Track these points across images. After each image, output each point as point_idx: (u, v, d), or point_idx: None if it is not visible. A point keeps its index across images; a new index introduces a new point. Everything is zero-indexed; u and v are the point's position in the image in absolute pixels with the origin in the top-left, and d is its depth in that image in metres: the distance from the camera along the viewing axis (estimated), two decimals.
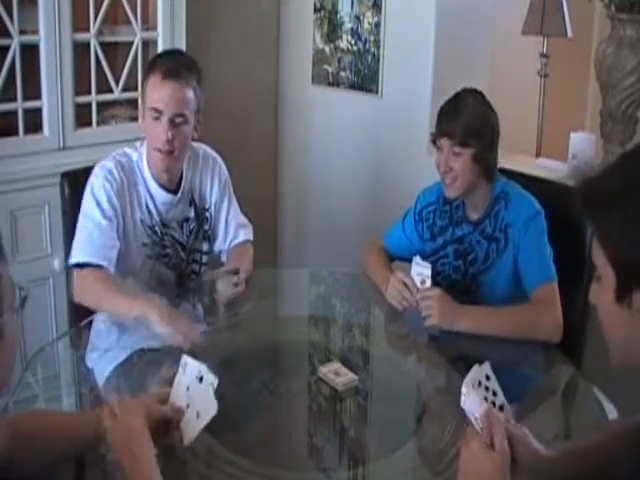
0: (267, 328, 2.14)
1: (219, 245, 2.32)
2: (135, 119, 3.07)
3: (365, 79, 3.36)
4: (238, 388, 1.76)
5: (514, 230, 2.08)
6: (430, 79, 3.08)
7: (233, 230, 2.31)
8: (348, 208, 3.54)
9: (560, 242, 2.06)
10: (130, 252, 2.15)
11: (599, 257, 1.05)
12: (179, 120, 2.04)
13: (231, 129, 3.54)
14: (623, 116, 2.94)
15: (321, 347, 2.08)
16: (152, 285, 2.14)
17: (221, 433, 1.53)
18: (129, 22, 3.00)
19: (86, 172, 2.21)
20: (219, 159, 2.32)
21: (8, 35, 2.68)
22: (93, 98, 2.94)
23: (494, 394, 1.30)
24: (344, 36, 3.42)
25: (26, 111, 2.78)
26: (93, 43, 2.90)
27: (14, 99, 2.74)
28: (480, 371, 1.32)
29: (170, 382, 1.44)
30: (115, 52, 3.07)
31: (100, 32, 2.91)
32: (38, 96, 2.79)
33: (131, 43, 3.02)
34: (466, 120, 2.04)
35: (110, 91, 3.00)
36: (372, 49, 3.30)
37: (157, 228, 2.18)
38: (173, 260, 2.23)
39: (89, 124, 2.95)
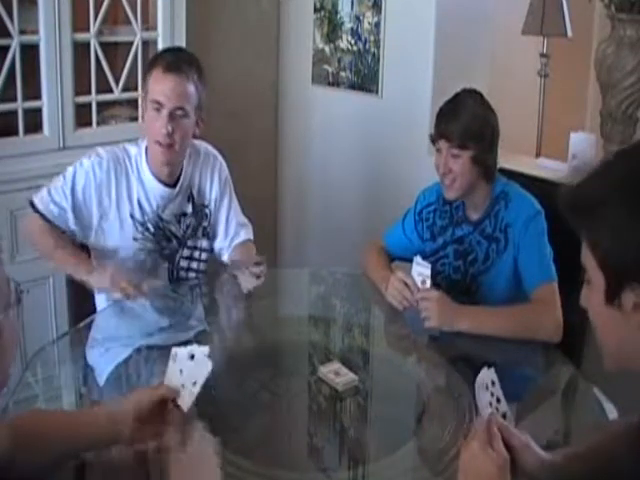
0: (267, 328, 2.14)
1: (219, 243, 2.32)
2: (135, 119, 3.08)
3: (365, 79, 3.36)
4: (238, 388, 1.76)
5: (514, 230, 2.08)
6: (430, 79, 3.08)
7: (234, 228, 2.31)
8: (348, 208, 3.54)
9: (560, 242, 2.05)
10: (117, 247, 2.16)
11: (589, 261, 1.05)
12: (179, 113, 2.06)
13: (231, 129, 3.54)
14: (623, 116, 2.94)
15: (321, 347, 2.08)
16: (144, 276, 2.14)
17: (221, 433, 1.53)
18: (129, 22, 3.00)
19: None
20: (220, 157, 2.33)
21: (8, 35, 2.68)
22: (93, 98, 2.94)
23: (498, 401, 1.30)
24: (344, 36, 3.42)
25: (26, 111, 2.78)
26: (93, 43, 2.90)
27: (14, 99, 2.74)
28: (488, 375, 1.32)
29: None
30: (115, 52, 3.07)
31: (100, 32, 2.91)
32: (38, 96, 2.79)
33: (131, 43, 3.02)
34: (464, 122, 2.04)
35: (110, 91, 3.00)
36: (372, 49, 3.30)
37: (149, 224, 2.18)
38: (166, 252, 2.23)
39: (89, 124, 2.95)
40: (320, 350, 2.05)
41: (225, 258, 2.31)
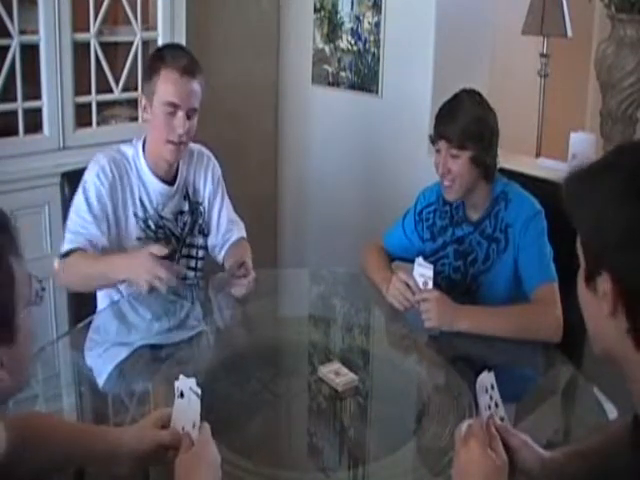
0: (267, 328, 2.14)
1: (212, 239, 2.34)
2: (135, 119, 3.07)
3: (365, 79, 3.36)
4: (238, 388, 1.76)
5: (514, 230, 2.08)
6: (430, 79, 3.08)
7: (225, 224, 2.34)
8: (348, 208, 3.54)
9: (560, 242, 2.05)
10: (124, 248, 2.16)
11: (577, 242, 1.08)
12: (192, 113, 2.12)
13: (231, 129, 3.54)
14: (623, 116, 2.94)
15: (321, 347, 2.08)
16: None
17: (221, 433, 1.53)
18: (129, 22, 3.00)
19: None
20: (212, 157, 2.37)
21: (8, 35, 2.68)
22: (93, 98, 2.94)
23: (496, 405, 1.30)
24: (344, 36, 3.42)
25: (26, 111, 2.78)
26: (93, 43, 2.90)
27: (14, 99, 2.73)
28: (487, 378, 1.32)
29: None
30: (115, 52, 3.07)
31: (100, 32, 2.92)
32: (38, 96, 2.79)
33: (131, 43, 3.02)
34: (463, 123, 2.04)
35: (110, 91, 3.00)
36: (372, 49, 3.30)
37: (150, 222, 2.20)
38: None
39: (89, 124, 2.95)
40: (320, 350, 2.05)
41: (220, 257, 2.32)
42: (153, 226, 2.21)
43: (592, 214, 1.03)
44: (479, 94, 2.13)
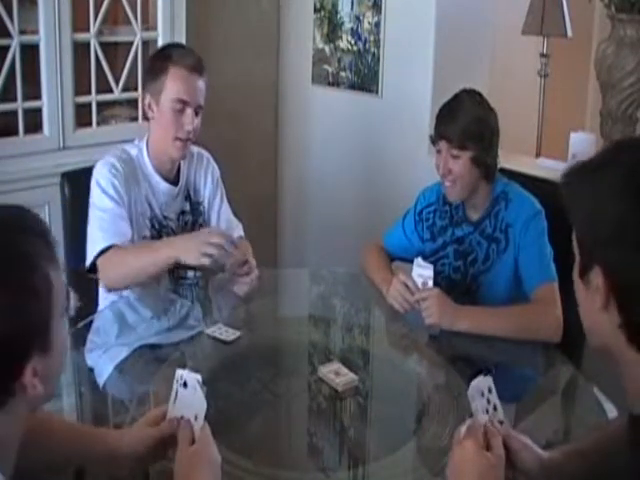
0: (267, 328, 2.14)
1: None
2: (135, 119, 3.08)
3: (365, 79, 3.36)
4: (238, 388, 1.76)
5: (514, 230, 2.08)
6: (430, 79, 3.08)
7: (224, 224, 2.34)
8: (348, 208, 3.54)
9: (560, 242, 2.05)
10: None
11: (573, 237, 1.09)
12: (199, 110, 2.15)
13: (231, 129, 3.54)
14: (623, 116, 2.94)
15: (321, 347, 2.08)
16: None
17: (221, 433, 1.53)
18: (129, 22, 3.00)
19: (86, 172, 2.20)
20: (211, 159, 2.38)
21: (8, 35, 2.69)
22: (93, 98, 2.94)
23: (494, 409, 1.30)
24: (344, 36, 3.42)
25: (26, 111, 2.78)
26: (93, 43, 2.90)
27: (14, 99, 2.74)
28: (484, 382, 1.31)
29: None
30: (115, 52, 3.07)
31: (100, 32, 2.92)
32: (38, 96, 2.79)
33: (131, 43, 3.02)
34: (463, 123, 2.04)
35: (110, 91, 3.00)
36: (372, 49, 3.30)
37: (155, 221, 2.21)
38: None
39: (89, 124, 2.95)
40: (320, 350, 2.05)
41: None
42: (157, 225, 2.22)
43: (589, 209, 1.04)
44: (479, 94, 2.13)
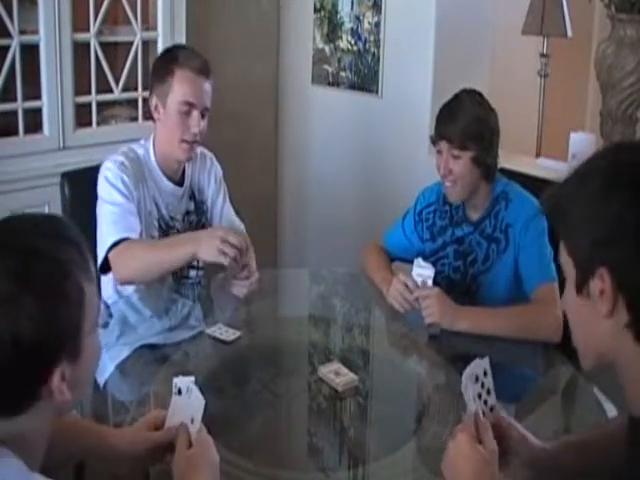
0: (267, 328, 2.14)
1: None
2: (135, 119, 3.08)
3: (365, 79, 3.36)
4: (238, 388, 1.76)
5: (514, 230, 2.08)
6: (430, 79, 3.08)
7: (227, 222, 2.34)
8: (348, 208, 3.54)
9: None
10: None
11: (564, 255, 1.09)
12: (205, 113, 2.16)
13: (231, 129, 3.54)
14: (623, 116, 2.94)
15: (321, 347, 2.08)
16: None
17: (221, 433, 1.53)
18: (129, 22, 3.00)
19: (86, 172, 2.21)
20: (214, 159, 2.39)
21: (8, 35, 2.68)
22: (93, 98, 2.94)
23: (488, 392, 1.30)
24: (344, 36, 3.42)
25: (26, 111, 2.78)
26: (93, 43, 2.90)
27: (14, 99, 2.74)
28: (480, 365, 1.31)
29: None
30: (115, 52, 3.07)
31: (100, 32, 2.92)
32: (38, 96, 2.79)
33: (131, 43, 3.02)
34: (464, 123, 2.04)
35: (110, 91, 3.00)
36: (372, 49, 3.30)
37: (162, 222, 2.22)
38: None
39: (89, 124, 2.95)
40: (320, 350, 2.05)
41: None
42: (165, 226, 2.22)
43: (581, 216, 1.04)
44: (480, 94, 2.13)
